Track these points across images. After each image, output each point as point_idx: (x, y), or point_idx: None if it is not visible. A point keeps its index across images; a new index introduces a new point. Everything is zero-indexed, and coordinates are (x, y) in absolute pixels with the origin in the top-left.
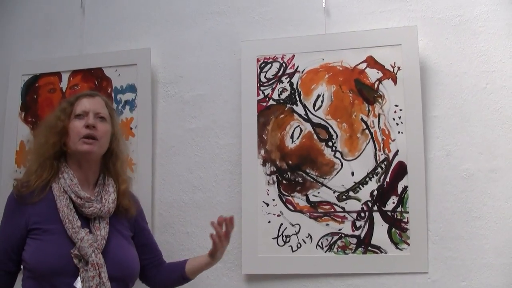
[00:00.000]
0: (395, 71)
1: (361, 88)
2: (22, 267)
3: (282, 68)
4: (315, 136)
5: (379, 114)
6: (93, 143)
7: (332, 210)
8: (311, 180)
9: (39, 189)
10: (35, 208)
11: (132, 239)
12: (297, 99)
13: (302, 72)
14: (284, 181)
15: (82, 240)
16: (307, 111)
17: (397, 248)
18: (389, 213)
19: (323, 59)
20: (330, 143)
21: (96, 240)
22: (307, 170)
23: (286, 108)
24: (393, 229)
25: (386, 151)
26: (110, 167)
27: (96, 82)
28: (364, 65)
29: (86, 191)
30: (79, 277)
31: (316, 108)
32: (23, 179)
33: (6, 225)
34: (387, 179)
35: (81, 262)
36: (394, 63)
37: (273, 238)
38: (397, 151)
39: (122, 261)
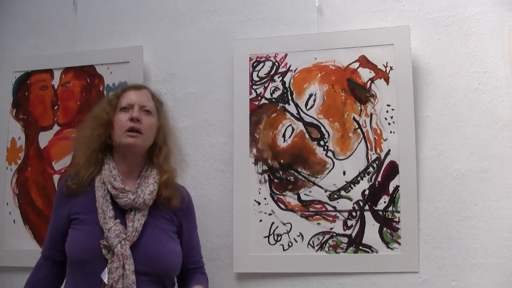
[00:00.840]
0: (388, 71)
1: (354, 88)
2: None
3: (275, 67)
4: (307, 135)
5: (371, 114)
6: (137, 136)
7: (324, 209)
8: (303, 179)
9: (87, 182)
10: (78, 200)
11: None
12: (290, 98)
13: (295, 71)
14: (275, 180)
15: (109, 230)
16: (299, 110)
17: (388, 247)
18: (381, 213)
19: (315, 58)
20: (322, 142)
21: (126, 231)
22: (299, 169)
23: (278, 107)
24: (384, 229)
25: (378, 150)
26: (154, 160)
27: (88, 80)
28: (357, 64)
29: (129, 183)
30: (106, 268)
31: (308, 107)
32: (72, 173)
33: (53, 216)
34: (379, 179)
35: (109, 252)
36: (387, 62)
37: (265, 237)
38: (389, 150)
39: (153, 255)
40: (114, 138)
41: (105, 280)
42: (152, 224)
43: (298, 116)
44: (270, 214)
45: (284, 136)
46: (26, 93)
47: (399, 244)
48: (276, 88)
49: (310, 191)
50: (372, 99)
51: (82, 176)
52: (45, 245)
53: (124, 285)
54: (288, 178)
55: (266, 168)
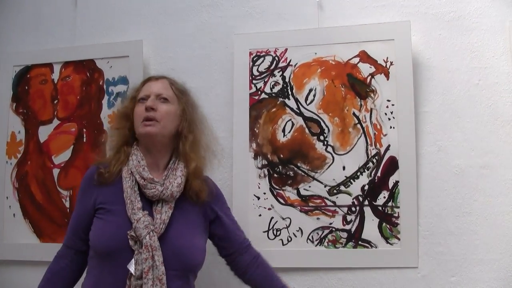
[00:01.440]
0: (388, 66)
1: (354, 83)
2: None
3: (275, 62)
4: (307, 130)
5: (371, 109)
6: (153, 124)
7: (323, 204)
8: (303, 174)
9: (116, 172)
10: (105, 189)
11: (210, 227)
12: (289, 93)
13: (295, 66)
14: (275, 175)
15: (138, 221)
16: (299, 105)
17: (387, 242)
18: (380, 208)
19: (315, 53)
20: (321, 137)
21: (154, 223)
22: (299, 164)
23: (278, 102)
24: (384, 224)
25: (378, 145)
26: (180, 149)
27: (88, 74)
28: (357, 59)
29: (155, 175)
30: (133, 259)
31: (308, 102)
32: (104, 162)
33: (78, 204)
34: (378, 174)
35: (137, 244)
36: (387, 58)
37: (264, 232)
38: (389, 146)
39: (179, 248)
40: (135, 130)
41: (132, 271)
42: (179, 217)
43: (298, 111)
44: (269, 209)
45: (284, 131)
46: (26, 87)
47: (399, 239)
48: (276, 83)
49: (309, 186)
50: (372, 94)
51: (113, 166)
52: (68, 234)
53: (154, 276)
54: (288, 173)
55: (266, 162)
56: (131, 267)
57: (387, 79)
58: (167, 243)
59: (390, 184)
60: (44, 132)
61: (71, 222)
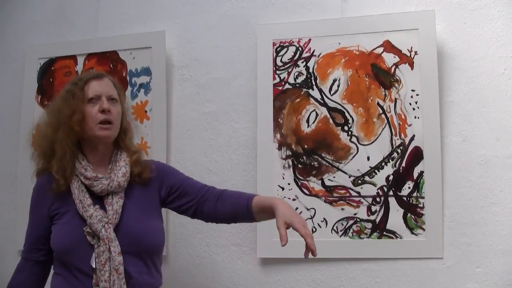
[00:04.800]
0: (412, 56)
1: (378, 73)
2: None
3: (298, 52)
4: (331, 121)
5: (396, 99)
6: (110, 128)
7: (348, 194)
8: (327, 164)
9: (71, 177)
10: (56, 196)
11: (167, 203)
12: (313, 83)
13: (318, 56)
14: (299, 165)
15: (91, 217)
16: (323, 95)
17: (412, 233)
18: (405, 198)
19: (339, 43)
20: (346, 128)
21: (107, 215)
22: (323, 155)
23: (302, 92)
24: (409, 214)
25: (402, 136)
26: (120, 143)
27: (111, 65)
28: (381, 49)
29: (101, 170)
30: (93, 253)
31: (332, 92)
32: (55, 170)
33: (32, 217)
34: (403, 164)
35: (94, 238)
36: (411, 47)
37: None
38: (413, 136)
39: (135, 234)
40: (86, 131)
41: (94, 265)
42: (131, 205)
43: (322, 101)
44: (294, 200)
45: (308, 121)
46: (51, 79)
47: (423, 230)
48: (300, 73)
49: (334, 177)
50: (396, 84)
51: (67, 171)
52: (25, 246)
53: (111, 267)
54: (312, 164)
55: (290, 153)
56: (93, 262)
57: (412, 69)
58: (123, 232)
59: (415, 175)
60: None
61: (27, 234)
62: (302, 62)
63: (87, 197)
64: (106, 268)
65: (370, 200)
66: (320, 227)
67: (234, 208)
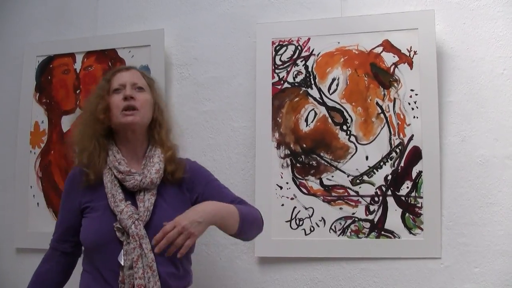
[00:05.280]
0: (411, 56)
1: (377, 72)
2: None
3: (297, 51)
4: (329, 120)
5: (395, 99)
6: (134, 113)
7: (346, 194)
8: (325, 163)
9: (101, 171)
10: (88, 189)
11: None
12: (312, 82)
13: (318, 55)
14: (298, 164)
15: (121, 212)
16: (322, 94)
17: (410, 233)
18: (403, 198)
19: (338, 43)
20: (344, 127)
21: (138, 212)
22: (321, 154)
23: (301, 91)
24: (407, 214)
25: (401, 135)
26: (155, 137)
27: (109, 63)
28: (380, 49)
29: (135, 165)
30: (122, 250)
31: (331, 91)
32: (86, 163)
33: (63, 208)
34: (402, 164)
35: (124, 235)
36: (411, 47)
37: (286, 221)
38: (412, 135)
39: None
40: (113, 121)
41: (122, 262)
42: (163, 202)
43: (321, 101)
44: (292, 199)
45: (306, 120)
46: (49, 77)
47: (422, 229)
48: (299, 72)
49: (332, 176)
50: (395, 84)
51: (97, 164)
52: (54, 236)
53: (144, 264)
54: (311, 163)
55: (289, 152)
56: (121, 259)
57: (411, 69)
58: (153, 230)
59: (414, 174)
60: (67, 122)
61: (57, 225)
62: (301, 61)
63: (119, 192)
64: (139, 265)
65: (368, 199)
66: (318, 226)
67: None
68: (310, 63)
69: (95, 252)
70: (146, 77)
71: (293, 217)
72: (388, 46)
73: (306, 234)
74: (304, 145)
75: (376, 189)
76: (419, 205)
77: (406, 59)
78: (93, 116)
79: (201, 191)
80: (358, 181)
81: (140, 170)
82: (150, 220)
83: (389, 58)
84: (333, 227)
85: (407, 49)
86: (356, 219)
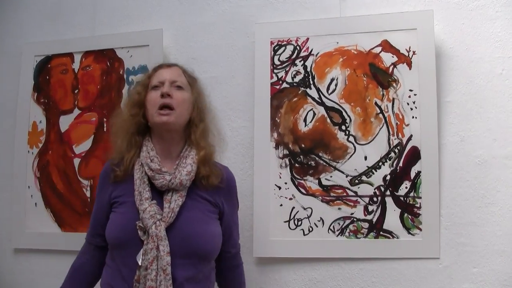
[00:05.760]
0: (410, 56)
1: (376, 72)
2: None
3: (296, 51)
4: (328, 120)
5: (393, 99)
6: (169, 113)
7: (345, 194)
8: (324, 163)
9: (131, 166)
10: (119, 183)
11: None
12: (311, 82)
13: (316, 55)
14: (296, 165)
15: (144, 211)
16: (321, 94)
17: (409, 233)
18: (402, 198)
19: (337, 43)
20: (343, 127)
21: (161, 212)
22: (320, 154)
23: (300, 91)
24: (406, 214)
25: (400, 135)
26: (191, 137)
27: (108, 63)
28: (379, 49)
29: (168, 164)
30: (141, 249)
31: (329, 91)
32: (117, 159)
33: (96, 201)
34: (400, 164)
35: (145, 234)
36: (409, 47)
37: (285, 222)
38: (411, 136)
39: (189, 236)
40: (148, 118)
41: (139, 262)
42: (191, 205)
43: (320, 101)
44: (290, 199)
45: (305, 120)
46: (47, 77)
47: (420, 230)
48: (298, 72)
49: (331, 176)
50: (394, 84)
51: (126, 161)
52: (88, 229)
53: (158, 267)
54: (309, 163)
55: (287, 152)
56: (139, 258)
57: (410, 69)
58: (176, 232)
59: (412, 175)
60: (65, 122)
61: (91, 219)
62: (300, 61)
63: (146, 190)
64: (153, 267)
65: (367, 199)
66: (317, 226)
67: None
68: (308, 63)
69: (117, 248)
70: (187, 75)
71: (291, 217)
72: (387, 46)
73: (304, 234)
74: (303, 145)
75: (374, 189)
76: (418, 205)
77: (405, 59)
78: (128, 113)
79: (225, 212)
80: (356, 181)
81: (172, 170)
82: (174, 222)
83: (388, 58)
84: (331, 227)
85: (406, 49)
86: (355, 219)
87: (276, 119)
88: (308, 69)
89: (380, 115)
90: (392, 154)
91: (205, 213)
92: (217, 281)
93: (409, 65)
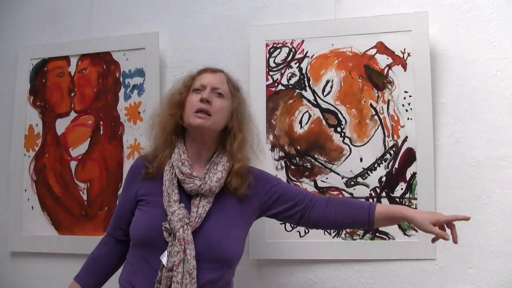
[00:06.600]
0: (405, 57)
1: (371, 74)
2: None
3: (291, 53)
4: (324, 122)
5: (389, 100)
6: (205, 117)
7: (340, 195)
8: (320, 165)
9: (161, 168)
10: (147, 181)
11: (264, 211)
12: (306, 84)
13: (312, 57)
14: (292, 166)
15: (173, 214)
16: (316, 96)
17: (405, 234)
18: (398, 200)
19: (332, 45)
20: (339, 129)
21: (189, 216)
22: (316, 156)
23: (295, 94)
24: None
25: (395, 137)
26: (226, 146)
27: (104, 66)
28: (374, 50)
29: (198, 167)
30: (166, 251)
31: (325, 93)
32: (151, 156)
33: (121, 195)
34: (396, 166)
35: (171, 236)
36: (404, 49)
37: (281, 224)
38: (406, 137)
39: (214, 241)
40: (184, 119)
41: (164, 262)
42: (218, 212)
43: (315, 103)
44: None
45: (300, 122)
46: (43, 80)
47: (416, 231)
48: (293, 75)
49: (327, 178)
50: (389, 86)
51: (160, 159)
52: (111, 222)
53: (184, 270)
54: (305, 165)
55: (283, 154)
56: (164, 259)
57: (405, 70)
58: (201, 237)
59: (408, 176)
60: (61, 125)
61: (114, 212)
62: (295, 63)
63: (175, 192)
64: (179, 270)
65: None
66: None
67: (353, 215)
68: (304, 65)
69: (140, 246)
70: (230, 84)
71: None
72: (382, 48)
73: (301, 236)
74: (299, 147)
75: (370, 190)
76: (414, 206)
77: (400, 61)
78: (167, 110)
79: (270, 194)
80: (352, 183)
81: (202, 175)
82: (201, 227)
83: (383, 60)
84: None
85: (400, 51)
86: None
87: (272, 121)
88: (304, 71)
89: (376, 117)
90: (388, 156)
91: (232, 218)
92: (330, 223)
93: (404, 66)
